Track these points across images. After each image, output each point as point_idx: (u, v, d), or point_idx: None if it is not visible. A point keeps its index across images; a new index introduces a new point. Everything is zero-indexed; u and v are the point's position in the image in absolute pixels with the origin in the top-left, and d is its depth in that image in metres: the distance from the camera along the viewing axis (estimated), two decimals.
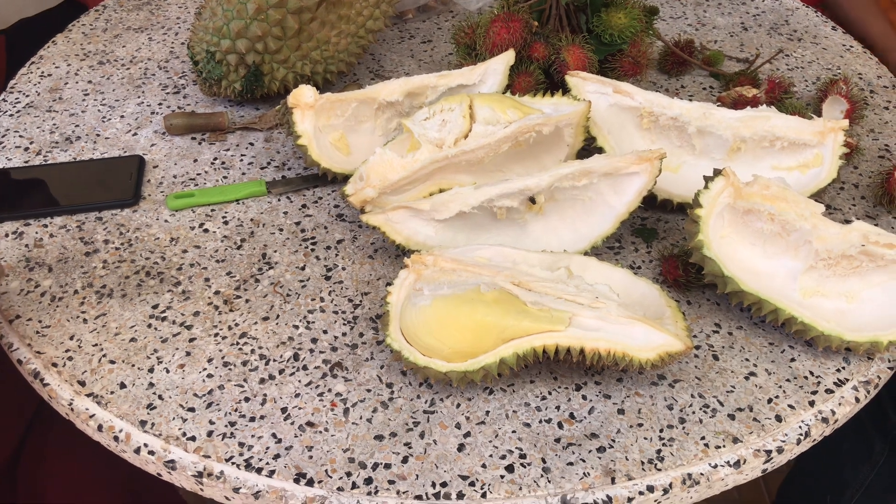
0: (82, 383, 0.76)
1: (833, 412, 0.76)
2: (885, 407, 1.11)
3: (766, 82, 1.07)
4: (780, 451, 0.73)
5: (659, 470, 0.70)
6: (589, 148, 0.92)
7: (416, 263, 0.76)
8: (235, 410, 0.74)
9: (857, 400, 0.77)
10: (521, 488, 0.68)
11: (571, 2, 1.01)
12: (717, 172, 0.81)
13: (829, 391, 0.77)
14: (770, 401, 0.76)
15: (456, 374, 0.71)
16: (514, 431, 0.73)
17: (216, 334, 0.80)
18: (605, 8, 1.00)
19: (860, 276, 0.80)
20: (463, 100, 0.88)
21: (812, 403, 0.76)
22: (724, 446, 0.72)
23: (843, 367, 0.79)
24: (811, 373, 0.79)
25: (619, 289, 0.77)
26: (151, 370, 0.77)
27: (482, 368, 0.71)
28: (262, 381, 0.76)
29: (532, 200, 0.84)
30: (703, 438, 0.73)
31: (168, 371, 0.77)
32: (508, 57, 0.98)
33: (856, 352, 0.79)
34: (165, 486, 0.97)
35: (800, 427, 0.74)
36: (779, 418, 0.75)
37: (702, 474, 0.71)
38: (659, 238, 0.92)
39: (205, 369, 0.77)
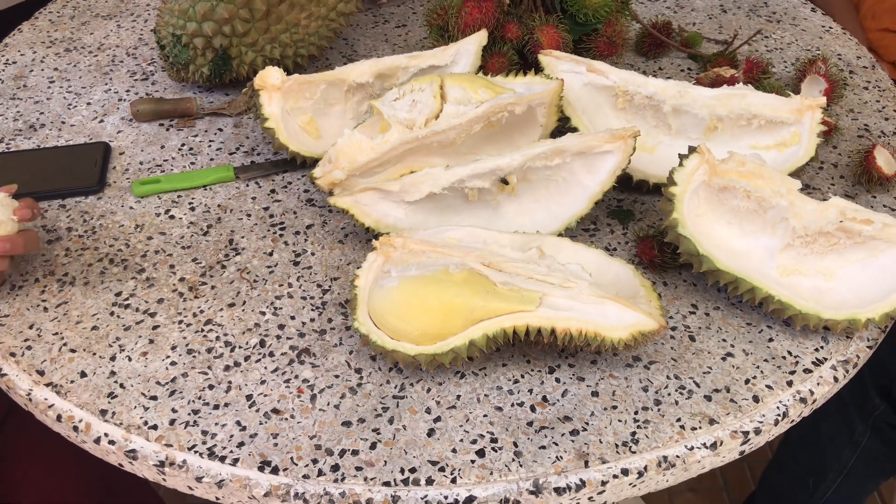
0: (41, 373, 0.73)
1: (811, 392, 0.75)
2: (868, 389, 1.10)
3: (744, 63, 1.06)
4: (757, 432, 0.71)
5: (633, 453, 0.69)
6: (563, 128, 0.90)
7: (385, 245, 0.74)
8: (199, 398, 0.72)
9: (836, 380, 0.76)
10: (492, 473, 0.67)
11: None
12: (692, 150, 0.79)
13: (807, 371, 0.76)
14: (747, 381, 0.74)
15: (425, 357, 0.69)
16: (485, 415, 0.71)
17: (180, 321, 0.78)
18: None
19: (838, 253, 0.78)
20: (434, 80, 0.86)
21: (790, 384, 0.74)
22: (700, 428, 0.71)
23: (822, 347, 0.78)
24: (789, 352, 0.77)
25: (593, 269, 0.76)
26: (113, 358, 0.75)
27: (451, 351, 0.69)
28: (226, 368, 0.74)
29: (504, 181, 0.82)
30: (678, 420, 0.71)
31: (130, 359, 0.75)
32: (481, 37, 0.96)
33: (834, 330, 0.77)
34: (141, 481, 0.95)
35: (777, 408, 0.73)
36: (756, 399, 0.73)
37: (677, 457, 0.69)
38: (635, 219, 0.90)
39: (168, 357, 0.75)
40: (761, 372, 0.75)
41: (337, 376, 0.74)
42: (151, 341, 0.76)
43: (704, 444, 0.70)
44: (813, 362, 0.76)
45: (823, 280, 0.78)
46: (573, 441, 0.69)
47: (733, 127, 0.91)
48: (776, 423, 0.72)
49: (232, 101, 1.05)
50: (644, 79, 0.91)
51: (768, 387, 0.74)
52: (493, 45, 0.98)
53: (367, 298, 0.72)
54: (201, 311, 0.79)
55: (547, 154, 0.81)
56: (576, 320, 0.69)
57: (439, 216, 0.83)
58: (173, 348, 0.76)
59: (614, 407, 0.72)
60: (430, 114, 0.85)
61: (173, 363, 0.75)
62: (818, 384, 0.75)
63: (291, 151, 0.91)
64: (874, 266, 0.77)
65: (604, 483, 0.67)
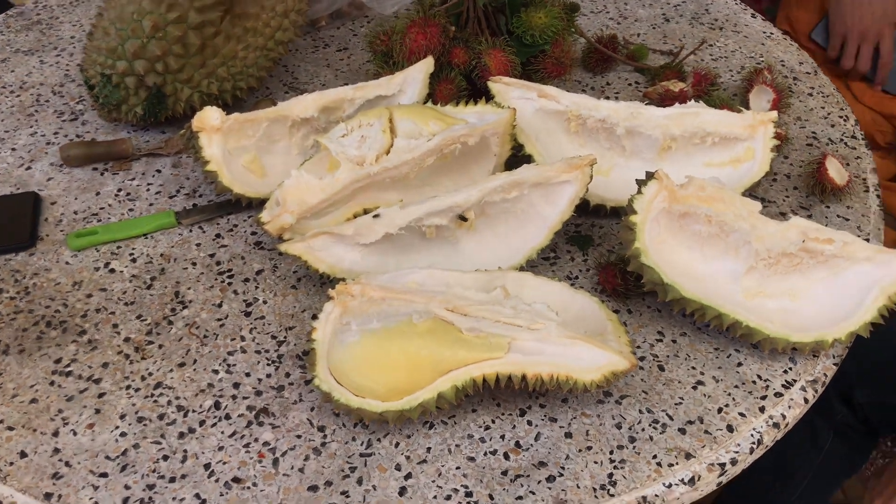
0: None
1: (784, 416, 0.74)
2: (831, 398, 1.11)
3: (691, 75, 1.05)
4: (733, 462, 0.70)
5: (612, 496, 0.67)
6: (517, 155, 0.88)
7: (342, 295, 0.71)
8: (154, 471, 0.67)
9: (806, 401, 0.75)
10: None
11: (489, 3, 0.97)
12: (650, 176, 0.77)
13: (778, 394, 0.75)
14: (720, 410, 0.73)
15: (392, 414, 0.66)
16: (458, 468, 0.68)
17: (128, 386, 0.74)
18: (524, 8, 0.96)
19: (801, 273, 0.78)
20: (382, 113, 0.83)
21: (762, 409, 0.73)
22: (677, 464, 0.69)
23: (790, 368, 0.77)
24: (759, 376, 0.76)
25: (558, 304, 0.74)
26: (56, 434, 0.70)
27: (420, 405, 0.66)
28: (181, 435, 0.70)
29: (462, 218, 0.79)
30: (654, 457, 0.69)
31: (75, 433, 0.70)
32: (427, 64, 0.93)
33: (802, 351, 0.77)
34: None
35: (752, 435, 0.72)
36: (730, 428, 0.72)
37: (656, 496, 0.67)
38: (595, 245, 0.89)
39: (117, 427, 0.70)
40: (733, 399, 0.74)
41: (299, 436, 0.70)
42: (98, 411, 0.72)
43: (682, 479, 0.68)
44: (783, 385, 0.76)
45: (789, 300, 0.78)
46: (550, 488, 0.67)
47: (687, 145, 0.90)
48: (751, 451, 0.71)
49: (169, 139, 1.00)
50: (596, 102, 0.89)
51: (741, 414, 0.73)
52: (440, 72, 0.96)
53: (327, 353, 0.69)
54: (150, 374, 0.75)
55: (504, 187, 0.78)
56: (546, 364, 0.67)
57: (397, 256, 0.80)
58: (122, 417, 0.71)
59: (589, 448, 0.70)
60: (380, 149, 0.82)
61: (123, 434, 0.70)
62: (790, 407, 0.74)
63: (236, 193, 0.87)
64: (837, 284, 0.77)
65: None
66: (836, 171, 0.93)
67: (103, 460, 0.68)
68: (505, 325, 0.69)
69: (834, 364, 0.79)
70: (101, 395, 0.73)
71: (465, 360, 0.67)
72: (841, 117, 1.07)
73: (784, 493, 1.27)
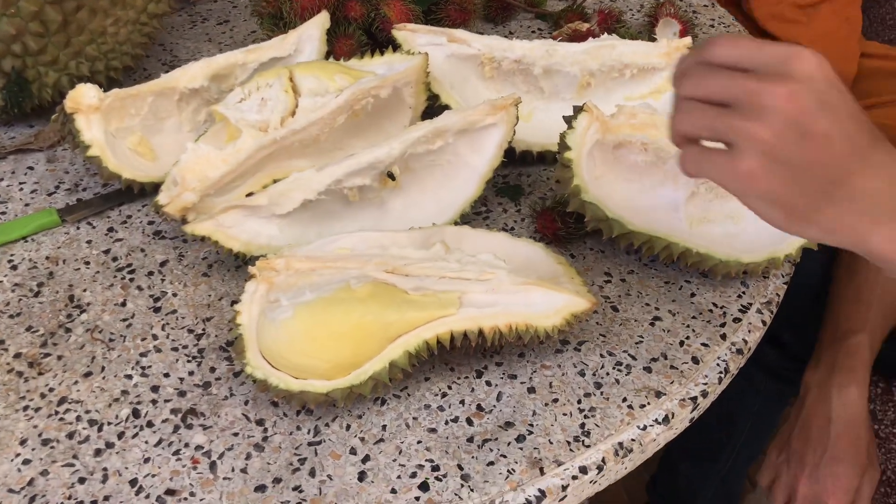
0: None
1: (745, 341, 0.71)
2: (762, 345, 1.11)
3: (596, 14, 1.02)
4: (704, 394, 0.67)
5: (588, 446, 0.62)
6: (433, 107, 0.82)
7: (265, 270, 0.63)
8: (70, 497, 0.58)
9: (764, 323, 0.73)
10: None
11: None
12: (579, 109, 0.73)
13: (736, 320, 0.72)
14: (682, 343, 0.70)
15: (341, 392, 0.59)
16: (419, 442, 0.62)
17: (26, 407, 0.63)
18: None
19: None
20: (281, 73, 0.75)
21: (724, 337, 0.70)
22: (648, 404, 0.65)
23: (744, 292, 0.74)
24: (714, 304, 0.73)
25: (502, 255, 0.68)
26: None
27: (371, 378, 0.59)
28: (97, 452, 0.60)
29: (391, 176, 0.73)
30: (624, 400, 0.65)
31: None
32: (323, 20, 0.85)
33: (753, 274, 0.74)
34: None
35: (718, 364, 0.69)
36: (695, 360, 0.68)
37: (633, 440, 0.63)
38: (525, 194, 0.84)
39: (18, 455, 0.60)
40: (693, 331, 0.71)
41: (236, 434, 0.62)
42: None
43: (656, 419, 0.64)
44: (739, 309, 0.73)
45: (732, 223, 0.75)
46: (521, 448, 0.61)
47: (606, 80, 0.86)
48: (720, 380, 0.68)
49: (39, 132, 0.88)
50: (509, 42, 0.84)
51: (704, 345, 0.70)
52: (336, 28, 0.88)
53: (257, 336, 0.61)
54: (51, 390, 0.65)
55: (427, 137, 0.72)
56: (503, 315, 0.61)
57: (319, 226, 0.73)
58: (23, 443, 0.61)
59: (555, 400, 0.65)
60: (284, 111, 0.74)
61: (26, 461, 0.60)
62: (749, 331, 0.72)
63: (125, 180, 0.77)
64: None
65: (564, 488, 0.60)
66: None
67: (6, 494, 0.58)
68: (452, 280, 0.62)
69: (784, 283, 0.77)
70: None
71: (416, 322, 0.60)
72: None
73: (729, 441, 1.27)
